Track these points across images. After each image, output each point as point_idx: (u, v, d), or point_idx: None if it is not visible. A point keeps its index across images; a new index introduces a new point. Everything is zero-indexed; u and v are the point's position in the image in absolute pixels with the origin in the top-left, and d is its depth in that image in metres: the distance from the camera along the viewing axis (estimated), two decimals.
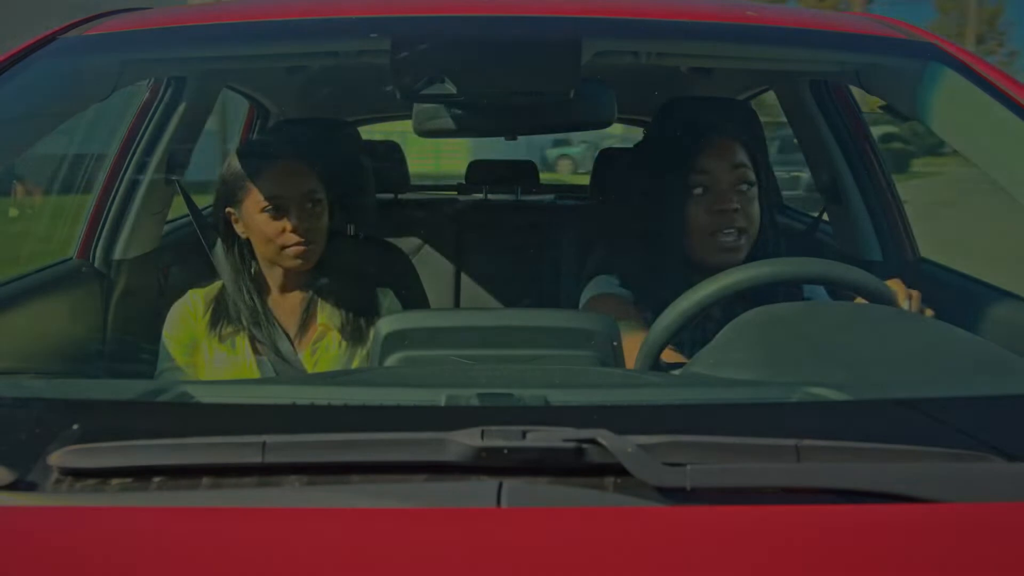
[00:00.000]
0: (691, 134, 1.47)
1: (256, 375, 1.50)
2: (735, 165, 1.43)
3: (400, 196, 2.78)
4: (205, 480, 0.65)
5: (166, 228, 2.15)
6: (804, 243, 2.14)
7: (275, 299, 1.56)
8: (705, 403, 0.87)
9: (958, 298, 1.72)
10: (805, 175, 2.84)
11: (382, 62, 1.28)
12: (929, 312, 1.26)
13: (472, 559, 0.58)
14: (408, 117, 1.94)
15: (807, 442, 0.67)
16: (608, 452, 0.64)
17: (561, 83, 1.43)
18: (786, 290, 1.39)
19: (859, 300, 1.18)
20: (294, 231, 1.48)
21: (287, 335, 1.53)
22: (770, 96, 2.42)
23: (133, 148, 2.03)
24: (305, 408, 0.81)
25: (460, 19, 1.35)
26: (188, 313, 1.55)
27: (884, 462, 0.67)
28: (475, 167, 3.20)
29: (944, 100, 1.31)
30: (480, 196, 2.99)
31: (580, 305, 1.51)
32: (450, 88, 1.32)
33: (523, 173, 3.15)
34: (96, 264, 1.92)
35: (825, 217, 2.20)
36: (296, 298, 1.57)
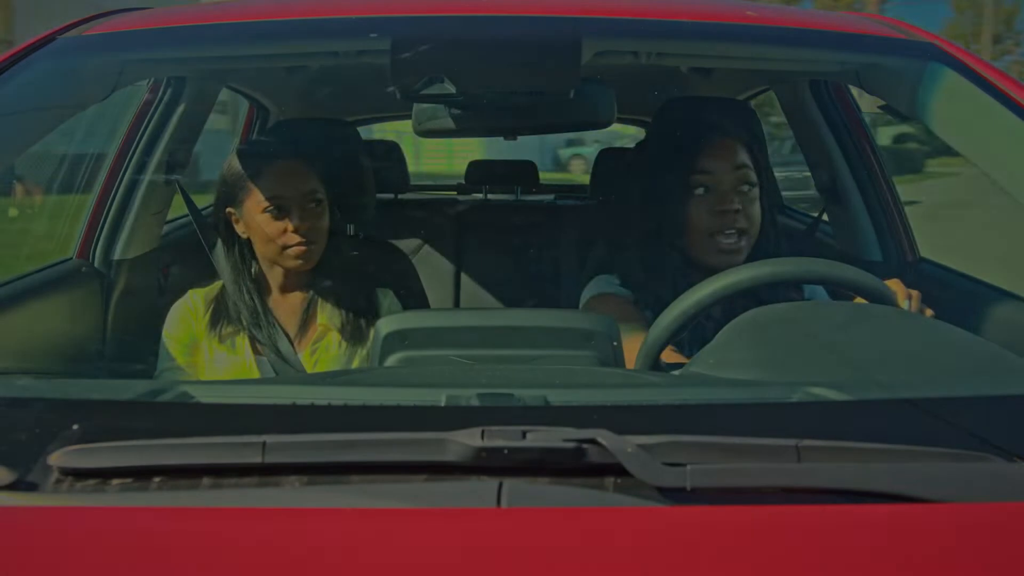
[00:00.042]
0: (693, 134, 1.47)
1: (256, 375, 1.50)
2: (737, 166, 1.43)
3: (400, 196, 2.78)
4: (205, 480, 0.65)
5: (166, 228, 2.16)
6: (804, 243, 2.14)
7: (275, 299, 1.56)
8: (705, 403, 0.87)
9: (958, 298, 1.72)
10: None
11: (382, 62, 1.28)
12: (929, 312, 1.26)
13: (472, 559, 0.58)
14: (408, 117, 1.94)
15: (807, 442, 0.67)
16: (608, 452, 0.64)
17: (561, 83, 1.43)
18: (786, 290, 1.39)
19: (859, 300, 1.18)
20: (295, 231, 1.48)
21: (287, 335, 1.53)
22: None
23: (133, 148, 2.03)
24: (305, 408, 0.81)
25: (460, 19, 1.35)
26: (188, 313, 1.55)
27: (884, 462, 0.67)
28: (475, 167, 3.20)
29: (944, 100, 1.31)
30: (480, 196, 2.99)
31: (580, 304, 1.51)
32: (450, 88, 1.32)
33: (523, 173, 3.15)
34: (96, 264, 1.92)
35: (825, 217, 2.20)
36: (296, 298, 1.57)
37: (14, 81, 1.24)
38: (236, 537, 0.60)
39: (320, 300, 1.56)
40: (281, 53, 1.58)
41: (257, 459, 0.65)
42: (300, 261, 1.50)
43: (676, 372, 1.07)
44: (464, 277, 2.52)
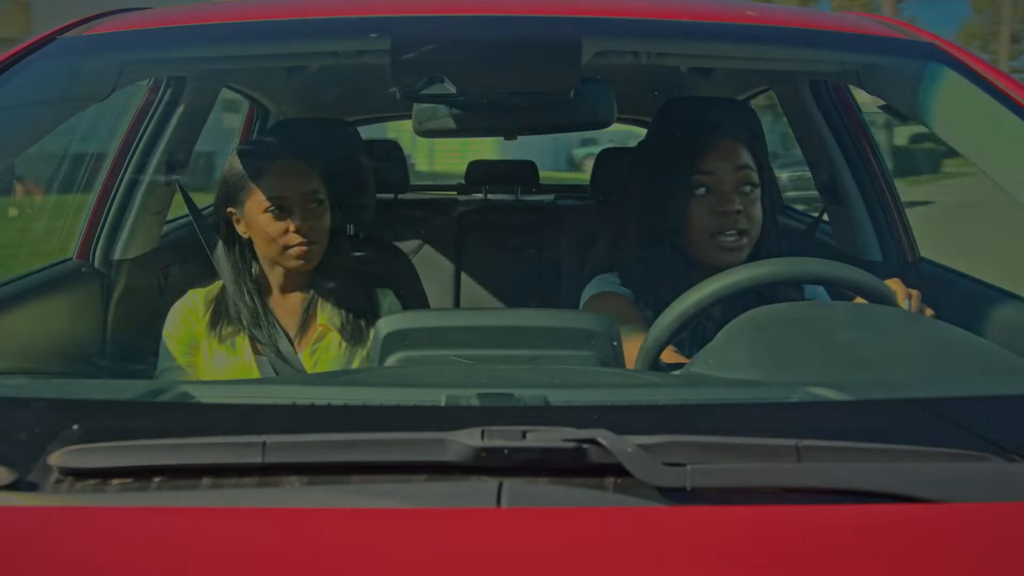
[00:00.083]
0: (695, 134, 1.47)
1: (256, 375, 1.50)
2: (739, 167, 1.43)
3: (400, 196, 2.78)
4: (205, 480, 0.65)
5: (166, 228, 2.16)
6: (804, 243, 2.14)
7: (275, 299, 1.56)
8: (705, 403, 0.87)
9: (958, 298, 1.72)
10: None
11: (382, 62, 1.28)
12: (929, 312, 1.26)
13: (472, 559, 0.58)
14: (408, 117, 1.95)
15: (807, 442, 0.67)
16: (608, 452, 0.64)
17: (561, 83, 1.43)
18: (786, 290, 1.39)
19: (859, 300, 1.18)
20: (297, 231, 1.48)
21: (287, 335, 1.53)
22: None
23: (133, 148, 2.04)
24: (305, 408, 0.81)
25: (460, 19, 1.35)
26: (188, 313, 1.55)
27: (884, 462, 0.67)
28: (475, 167, 3.20)
29: (944, 100, 1.31)
30: (480, 196, 2.99)
31: (581, 303, 1.51)
32: (450, 88, 1.32)
33: (523, 173, 3.15)
34: (96, 264, 1.92)
35: (825, 217, 2.20)
36: (296, 298, 1.57)
37: (14, 81, 1.24)
38: (236, 537, 0.60)
39: (320, 300, 1.56)
40: (281, 53, 1.59)
41: (257, 459, 0.65)
42: (302, 261, 1.51)
43: (676, 372, 1.07)
44: (464, 277, 2.52)
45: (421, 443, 0.66)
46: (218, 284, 1.57)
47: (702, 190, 1.43)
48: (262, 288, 1.56)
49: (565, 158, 15.40)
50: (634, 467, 0.63)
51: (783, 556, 0.59)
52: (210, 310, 1.54)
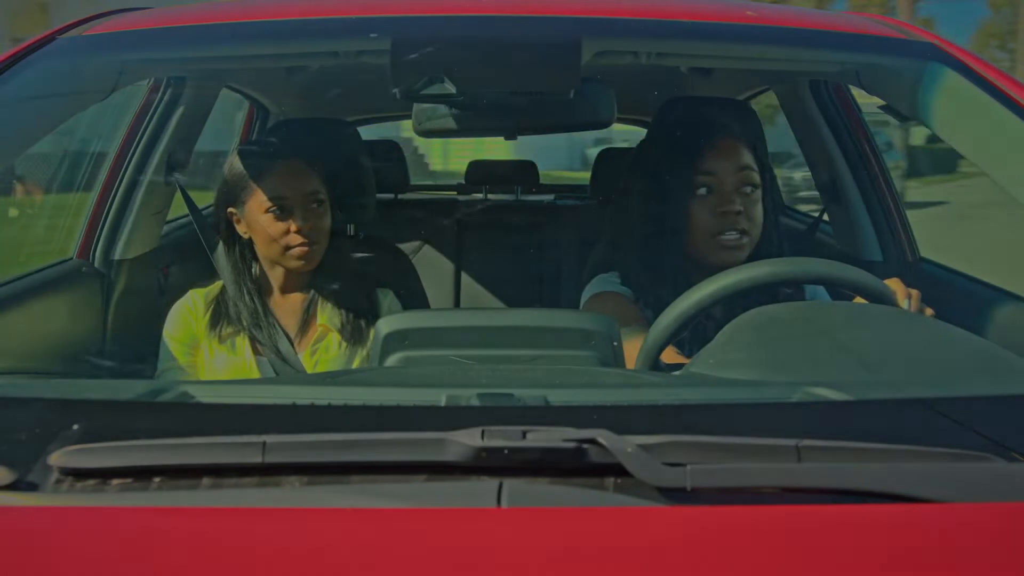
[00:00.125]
0: (696, 134, 1.47)
1: (256, 376, 1.50)
2: (740, 167, 1.43)
3: (400, 196, 2.78)
4: (205, 480, 0.65)
5: (166, 228, 2.16)
6: (804, 243, 2.14)
7: (276, 300, 1.56)
8: (705, 403, 0.87)
9: (958, 298, 1.72)
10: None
11: (382, 62, 1.28)
12: (929, 312, 1.26)
13: (472, 559, 0.58)
14: (408, 117, 1.95)
15: (807, 442, 0.67)
16: (608, 452, 0.64)
17: (561, 83, 1.43)
18: (786, 290, 1.39)
19: (859, 300, 1.18)
20: (298, 231, 1.48)
21: (287, 336, 1.53)
22: None
23: (133, 148, 2.03)
24: (305, 408, 0.81)
25: (460, 19, 1.35)
26: (188, 313, 1.55)
27: (884, 462, 0.67)
28: (475, 167, 3.20)
29: (944, 100, 1.31)
30: (480, 196, 2.99)
31: (581, 303, 1.51)
32: (450, 88, 1.32)
33: (523, 173, 3.15)
34: (96, 264, 1.92)
35: (825, 217, 2.20)
36: (296, 299, 1.57)
37: (14, 81, 1.24)
38: (236, 537, 0.60)
39: (320, 300, 1.56)
40: (281, 53, 1.59)
41: (257, 459, 0.65)
42: (302, 262, 1.51)
43: (676, 372, 1.07)
44: (464, 277, 2.52)
45: (421, 443, 0.66)
46: (218, 284, 1.57)
47: (703, 190, 1.43)
48: (262, 288, 1.56)
49: (579, 157, 15.42)
50: (634, 467, 0.63)
51: (783, 556, 0.59)
52: (210, 310, 1.54)
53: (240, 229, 1.53)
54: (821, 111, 2.12)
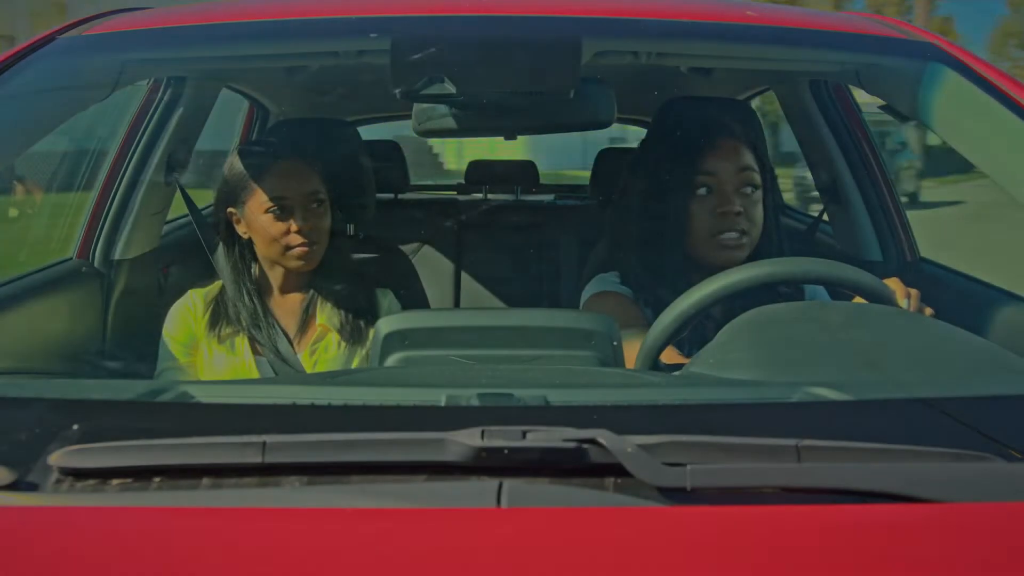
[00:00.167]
0: (697, 135, 1.47)
1: (255, 376, 1.50)
2: (741, 168, 1.43)
3: (400, 196, 2.78)
4: (205, 480, 0.65)
5: (166, 228, 2.15)
6: (804, 243, 2.14)
7: (275, 300, 1.56)
8: (705, 403, 0.87)
9: (958, 298, 1.72)
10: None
11: (382, 62, 1.28)
12: (929, 312, 1.26)
13: (472, 559, 0.58)
14: (408, 117, 1.94)
15: (807, 442, 0.67)
16: (608, 452, 0.64)
17: (561, 83, 1.43)
18: (786, 290, 1.39)
19: (859, 300, 1.18)
20: (299, 232, 1.48)
21: (287, 336, 1.53)
22: None
23: (133, 148, 2.03)
24: (305, 408, 0.81)
25: (460, 19, 1.35)
26: (188, 313, 1.55)
27: (884, 462, 0.67)
28: (475, 167, 3.20)
29: (944, 100, 1.31)
30: (480, 196, 2.99)
31: (581, 303, 1.51)
32: (450, 88, 1.32)
33: (523, 173, 3.15)
34: (96, 264, 1.92)
35: (825, 217, 2.20)
36: (296, 299, 1.57)
37: (14, 81, 1.24)
38: (236, 537, 0.60)
39: (320, 300, 1.56)
40: (281, 53, 1.59)
41: (257, 459, 0.65)
42: (303, 262, 1.50)
43: (676, 372, 1.07)
44: (464, 277, 2.52)
45: (421, 443, 0.66)
46: (218, 284, 1.57)
47: (703, 190, 1.43)
48: (262, 288, 1.56)
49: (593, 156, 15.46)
50: (634, 467, 0.63)
51: (783, 556, 0.59)
52: (209, 310, 1.54)
53: (240, 229, 1.53)
54: (821, 111, 2.12)
